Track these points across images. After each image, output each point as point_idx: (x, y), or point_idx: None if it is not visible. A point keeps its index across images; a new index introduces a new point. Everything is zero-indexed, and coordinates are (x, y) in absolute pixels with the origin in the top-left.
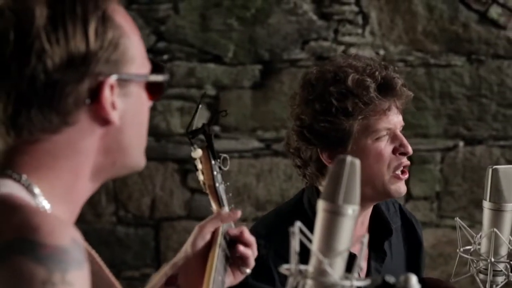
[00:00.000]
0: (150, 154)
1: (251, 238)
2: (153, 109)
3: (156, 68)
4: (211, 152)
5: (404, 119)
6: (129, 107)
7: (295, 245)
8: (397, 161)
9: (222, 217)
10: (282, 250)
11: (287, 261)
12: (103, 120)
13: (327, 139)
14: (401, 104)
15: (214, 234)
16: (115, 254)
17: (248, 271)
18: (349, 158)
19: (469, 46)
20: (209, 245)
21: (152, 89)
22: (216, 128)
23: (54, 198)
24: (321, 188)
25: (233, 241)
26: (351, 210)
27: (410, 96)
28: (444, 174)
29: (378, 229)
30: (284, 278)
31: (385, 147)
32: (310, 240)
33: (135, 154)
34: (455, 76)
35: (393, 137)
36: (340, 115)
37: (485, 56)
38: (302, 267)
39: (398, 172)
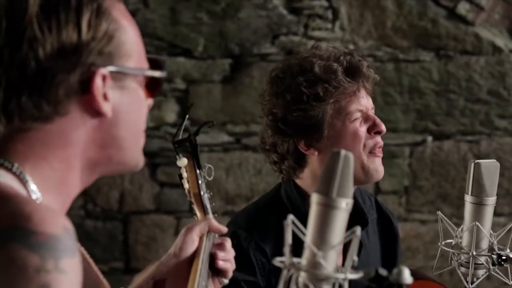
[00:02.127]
0: None
1: (231, 252)
2: None
3: (154, 64)
4: (196, 162)
5: None
6: (124, 101)
7: (288, 238)
8: (372, 140)
9: (212, 224)
10: (262, 242)
11: (266, 252)
12: (95, 112)
13: (302, 128)
14: (369, 85)
15: (200, 239)
16: (83, 248)
17: (226, 281)
18: (343, 152)
19: (437, 41)
20: (195, 248)
21: (150, 86)
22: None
23: (45, 188)
24: (299, 181)
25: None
26: (344, 203)
27: (376, 78)
28: (412, 168)
29: (354, 219)
30: (265, 269)
31: (359, 127)
32: (303, 233)
33: (132, 151)
34: (424, 71)
35: (366, 118)
36: (312, 101)
37: (453, 51)
38: (296, 260)
39: (375, 150)
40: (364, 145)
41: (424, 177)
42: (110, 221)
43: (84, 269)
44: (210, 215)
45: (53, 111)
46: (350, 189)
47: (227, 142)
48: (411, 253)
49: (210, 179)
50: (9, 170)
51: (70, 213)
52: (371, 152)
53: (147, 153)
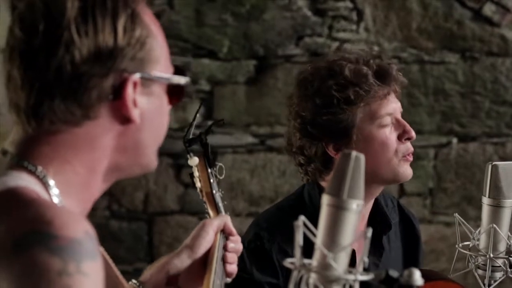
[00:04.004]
0: None
1: (239, 252)
2: None
3: (177, 71)
4: (207, 161)
5: None
6: (150, 107)
7: (299, 239)
8: (403, 146)
9: (228, 221)
10: (285, 244)
11: (290, 255)
12: (124, 118)
13: (331, 132)
14: (398, 89)
15: (215, 238)
16: (108, 248)
17: (229, 280)
18: (354, 153)
19: (463, 43)
20: (210, 243)
21: (173, 92)
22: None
23: (67, 192)
24: (322, 183)
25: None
26: (355, 204)
27: (405, 81)
28: (437, 170)
29: (377, 223)
30: (288, 271)
31: (390, 134)
32: (314, 234)
33: (150, 155)
34: (449, 73)
35: (396, 124)
36: (342, 105)
37: (479, 53)
38: (306, 261)
39: (406, 155)
40: (396, 152)
41: (449, 179)
42: (135, 221)
43: (104, 268)
44: (223, 214)
45: (83, 115)
46: (361, 190)
47: (251, 144)
48: (435, 255)
49: (221, 177)
50: (33, 173)
51: (95, 214)
52: (403, 157)
53: (171, 154)
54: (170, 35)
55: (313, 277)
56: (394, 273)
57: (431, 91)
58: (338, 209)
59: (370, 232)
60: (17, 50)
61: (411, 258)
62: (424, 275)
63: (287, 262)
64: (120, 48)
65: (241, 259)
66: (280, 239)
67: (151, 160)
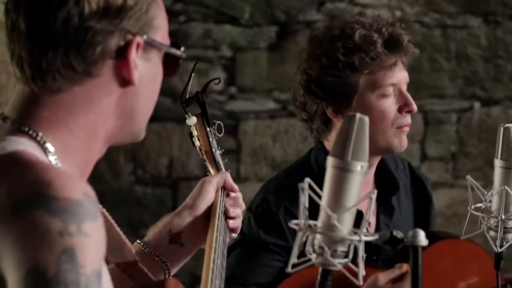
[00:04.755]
0: (168, 115)
1: (242, 207)
2: None
3: (173, 45)
4: (205, 120)
5: (420, 80)
6: (147, 73)
7: (304, 201)
8: (401, 119)
9: (228, 177)
10: (292, 207)
11: (296, 217)
12: (124, 79)
13: (333, 94)
14: (407, 60)
15: (216, 193)
16: (133, 213)
17: (234, 236)
18: (358, 115)
19: (485, 7)
20: (211, 200)
21: (169, 63)
22: (233, 89)
23: (66, 157)
24: (326, 144)
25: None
26: (359, 166)
27: (416, 53)
28: (459, 135)
29: (385, 184)
30: (294, 233)
31: (390, 105)
32: (319, 196)
33: (141, 123)
34: (472, 37)
35: (399, 95)
36: (346, 69)
37: (501, 17)
38: (311, 222)
39: (402, 128)
40: (393, 123)
41: (471, 143)
42: (159, 187)
43: (106, 230)
44: (223, 171)
45: (85, 72)
46: (366, 152)
47: (274, 109)
48: (457, 219)
49: (220, 135)
50: (32, 138)
51: (120, 179)
52: (398, 128)
53: None
54: (192, 1)
55: (318, 238)
56: (398, 234)
57: (454, 56)
58: (343, 171)
59: (374, 194)
60: None
61: (422, 220)
62: (437, 235)
63: (292, 223)
64: (129, 7)
65: (248, 223)
66: (287, 202)
67: (142, 128)
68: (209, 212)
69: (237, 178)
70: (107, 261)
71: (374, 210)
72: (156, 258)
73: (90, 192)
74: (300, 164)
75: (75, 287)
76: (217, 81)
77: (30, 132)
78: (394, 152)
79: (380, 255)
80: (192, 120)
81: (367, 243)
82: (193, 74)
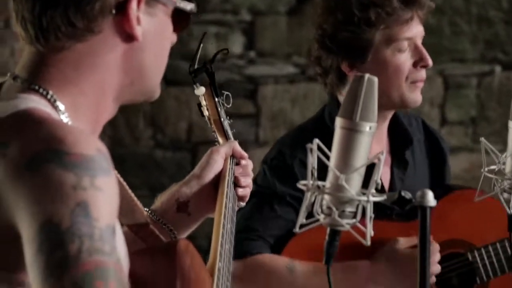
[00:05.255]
0: (187, 79)
1: (251, 175)
2: (189, 35)
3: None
4: (214, 90)
5: (440, 44)
6: (152, 28)
7: (312, 162)
8: (416, 73)
9: (236, 146)
10: (305, 160)
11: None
12: (126, 35)
13: (347, 49)
14: (423, 14)
15: (224, 162)
16: (152, 177)
17: (243, 204)
18: (366, 76)
19: None
20: (219, 173)
21: (178, 19)
22: (252, 54)
23: (77, 115)
24: (340, 98)
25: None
26: (368, 127)
27: (432, 6)
28: (480, 99)
29: (398, 139)
30: None
31: (405, 61)
32: (328, 157)
33: (153, 80)
34: (493, 0)
35: (414, 50)
36: (362, 25)
37: None
38: (319, 183)
39: (416, 83)
40: (407, 77)
41: (491, 108)
42: (178, 151)
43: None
44: (232, 140)
45: (86, 28)
46: (374, 113)
47: (293, 74)
48: (476, 183)
49: (228, 106)
50: (43, 96)
51: (139, 143)
52: (413, 83)
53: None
54: None
55: (326, 199)
56: (406, 195)
57: (475, 19)
58: (351, 131)
59: (383, 155)
60: None
61: (437, 175)
62: (452, 187)
63: (300, 184)
64: None
65: (263, 175)
66: (302, 155)
67: (155, 85)
68: (217, 181)
69: (256, 142)
70: (120, 224)
71: (388, 164)
72: (164, 226)
73: (103, 148)
74: (315, 119)
75: (89, 239)
76: (225, 51)
77: (41, 90)
78: (408, 107)
79: (393, 209)
80: (200, 90)
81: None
82: (201, 44)
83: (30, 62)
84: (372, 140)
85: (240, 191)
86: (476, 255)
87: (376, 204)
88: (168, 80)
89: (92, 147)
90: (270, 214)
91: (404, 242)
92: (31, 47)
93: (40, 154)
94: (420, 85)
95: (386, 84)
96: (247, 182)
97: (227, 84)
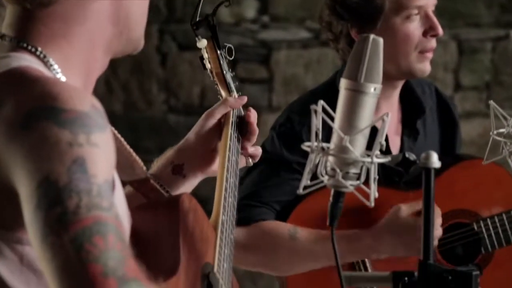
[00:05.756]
0: None
1: (256, 131)
2: None
3: None
4: (216, 42)
5: (455, 9)
6: None
7: (317, 123)
8: (426, 42)
9: (230, 102)
10: None
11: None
12: None
13: (358, 15)
14: None
15: (226, 117)
16: (165, 142)
17: (251, 162)
18: (371, 36)
19: None
20: (213, 133)
21: None
22: (265, 18)
23: (68, 69)
24: None
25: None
26: (372, 88)
27: None
28: (494, 64)
29: (411, 108)
30: None
31: (415, 29)
32: (333, 119)
33: (140, 29)
34: None
35: (425, 18)
36: None
37: None
38: (324, 144)
39: (425, 52)
40: (416, 46)
41: (506, 73)
42: (192, 115)
43: (117, 148)
44: (234, 93)
45: None
46: (379, 74)
47: (306, 39)
48: (493, 149)
49: (231, 58)
50: (33, 53)
51: (153, 108)
52: (421, 52)
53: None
54: None
55: (330, 161)
56: (411, 156)
57: None
58: (355, 92)
59: (389, 117)
60: None
61: (448, 144)
62: (461, 157)
63: (304, 146)
64: None
65: (271, 141)
66: (310, 122)
67: (140, 35)
68: (211, 143)
69: (269, 108)
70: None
71: (398, 133)
72: (161, 188)
73: (98, 104)
74: (326, 84)
75: (87, 195)
76: (227, 3)
77: (29, 47)
78: (416, 77)
79: (402, 177)
80: (202, 43)
81: (390, 166)
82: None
83: (16, 20)
84: (376, 102)
85: (251, 150)
86: (482, 225)
87: (384, 171)
88: (181, 44)
89: (87, 104)
90: (276, 180)
91: (406, 209)
92: (15, 6)
93: (34, 111)
94: (429, 55)
95: (394, 52)
96: (252, 129)
97: (240, 49)
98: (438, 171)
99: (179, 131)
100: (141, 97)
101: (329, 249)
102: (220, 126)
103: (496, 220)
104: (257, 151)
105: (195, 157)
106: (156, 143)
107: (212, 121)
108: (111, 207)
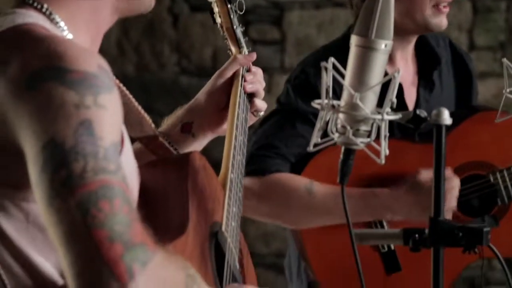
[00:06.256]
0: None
1: (258, 72)
2: None
3: None
4: None
5: None
6: None
7: (327, 80)
8: None
9: (239, 60)
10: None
11: (333, 89)
12: None
13: None
14: None
15: (235, 74)
16: (177, 104)
17: (261, 114)
18: None
19: None
20: (223, 92)
21: None
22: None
23: (75, 28)
24: None
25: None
26: (383, 44)
27: None
28: (509, 23)
29: (426, 60)
30: None
31: None
32: (342, 75)
33: None
34: None
35: None
36: None
37: None
38: (334, 102)
39: (441, 6)
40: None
41: None
42: (203, 77)
43: (125, 104)
44: (245, 49)
45: None
46: (390, 30)
47: None
48: (506, 108)
49: (241, 13)
50: (39, 10)
51: (164, 70)
52: (436, 6)
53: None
54: None
55: (340, 118)
56: (422, 113)
57: None
58: (366, 49)
59: (399, 74)
60: None
61: (464, 96)
62: (477, 108)
63: (315, 103)
64: None
65: (286, 94)
66: None
67: None
68: (222, 103)
69: (281, 69)
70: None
71: (414, 85)
72: (169, 146)
73: (104, 64)
74: (340, 40)
75: (93, 158)
76: None
77: (35, 4)
78: (432, 31)
79: (417, 128)
80: None
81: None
82: None
83: None
84: (387, 59)
85: (249, 86)
86: (498, 176)
87: (398, 124)
88: (193, 5)
89: (94, 64)
90: (291, 132)
91: (426, 173)
92: None
93: (40, 71)
94: (445, 10)
95: (410, 6)
96: (256, 78)
97: (252, 10)
98: (454, 123)
99: (191, 93)
100: (153, 59)
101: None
102: (230, 85)
103: None
104: (263, 106)
105: (205, 115)
106: (168, 105)
107: (222, 80)
108: (118, 170)
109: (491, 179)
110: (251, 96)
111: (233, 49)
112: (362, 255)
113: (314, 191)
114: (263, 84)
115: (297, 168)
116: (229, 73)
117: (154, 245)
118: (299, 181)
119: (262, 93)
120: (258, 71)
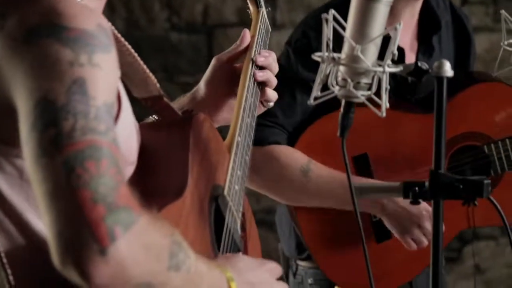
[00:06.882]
0: None
1: (271, 55)
2: None
3: None
4: None
5: None
6: None
7: (328, 33)
8: None
9: (245, 36)
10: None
11: (334, 44)
12: None
13: None
14: None
15: (247, 49)
16: (168, 60)
17: (271, 104)
18: None
19: None
20: (223, 80)
21: None
22: None
23: None
24: None
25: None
26: None
27: None
28: None
29: (427, 23)
30: None
31: None
32: (343, 28)
33: None
34: None
35: None
36: None
37: None
38: (335, 55)
39: None
40: None
41: None
42: (194, 34)
43: (130, 63)
44: (263, 8)
45: None
46: None
47: None
48: (501, 61)
49: None
50: None
51: (154, 26)
52: None
53: None
54: None
55: (341, 71)
56: (423, 65)
57: None
58: (367, 0)
59: (401, 25)
60: None
61: (462, 59)
62: (475, 76)
63: (315, 56)
64: None
65: (287, 57)
66: None
67: None
68: (222, 91)
69: (273, 26)
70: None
71: (414, 50)
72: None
73: (104, 23)
74: None
75: (83, 117)
76: None
77: None
78: None
79: (414, 93)
80: None
81: (401, 80)
82: None
83: None
84: (388, 11)
85: (260, 75)
86: (493, 148)
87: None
88: None
89: (92, 22)
90: (290, 101)
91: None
92: None
93: (37, 27)
94: None
95: None
96: (268, 61)
97: None
98: (451, 93)
99: (182, 49)
100: (143, 15)
101: (336, 193)
102: (230, 71)
103: (508, 143)
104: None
105: (205, 105)
106: (158, 62)
107: (221, 65)
108: (108, 131)
109: (486, 150)
110: (261, 83)
111: (251, 7)
112: (353, 225)
113: (310, 174)
114: (276, 68)
115: (293, 136)
116: (226, 59)
117: (139, 208)
118: (296, 160)
119: (274, 82)
120: (271, 55)
